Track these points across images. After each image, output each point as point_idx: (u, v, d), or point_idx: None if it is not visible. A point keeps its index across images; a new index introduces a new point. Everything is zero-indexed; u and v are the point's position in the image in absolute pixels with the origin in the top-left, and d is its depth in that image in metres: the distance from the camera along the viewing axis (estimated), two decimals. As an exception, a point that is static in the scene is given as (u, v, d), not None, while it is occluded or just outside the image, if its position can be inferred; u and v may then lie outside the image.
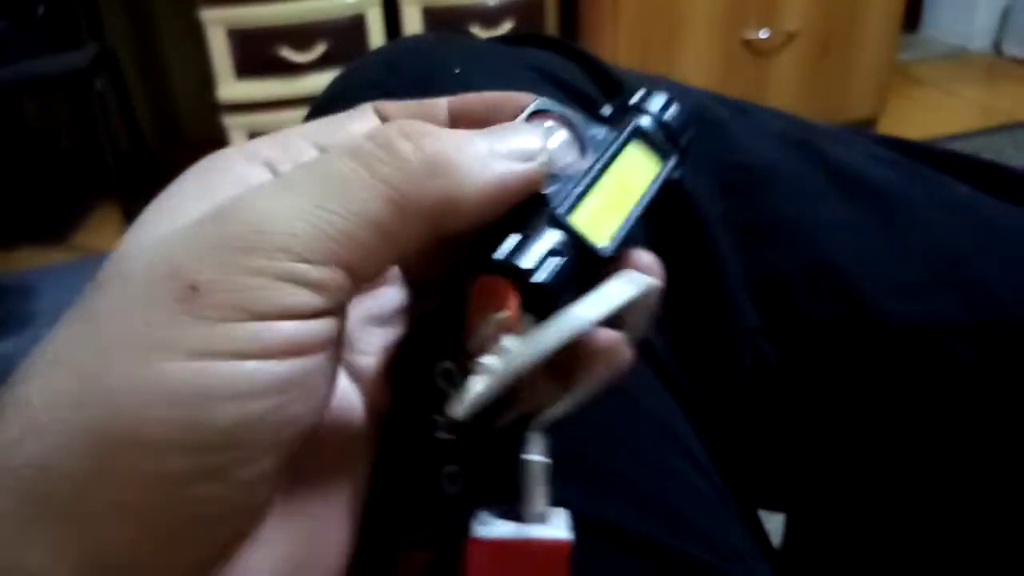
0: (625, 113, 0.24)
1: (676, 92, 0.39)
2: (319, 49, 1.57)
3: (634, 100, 0.25)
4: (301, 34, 1.56)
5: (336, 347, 0.18)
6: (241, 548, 0.18)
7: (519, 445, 0.21)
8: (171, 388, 0.16)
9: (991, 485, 0.37)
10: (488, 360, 0.19)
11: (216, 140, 1.63)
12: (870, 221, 0.37)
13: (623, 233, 0.21)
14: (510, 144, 0.20)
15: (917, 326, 0.35)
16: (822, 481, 0.38)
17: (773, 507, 0.41)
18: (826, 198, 0.37)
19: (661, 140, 0.24)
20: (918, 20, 2.50)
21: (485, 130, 0.20)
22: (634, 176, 0.23)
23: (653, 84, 0.38)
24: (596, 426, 0.28)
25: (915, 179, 0.39)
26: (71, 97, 1.85)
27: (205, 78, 1.64)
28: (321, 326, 0.17)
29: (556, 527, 0.21)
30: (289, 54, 1.57)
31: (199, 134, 2.02)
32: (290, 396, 0.17)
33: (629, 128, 0.23)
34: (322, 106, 0.35)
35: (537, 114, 0.22)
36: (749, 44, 1.78)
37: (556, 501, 0.26)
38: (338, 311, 0.18)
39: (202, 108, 1.84)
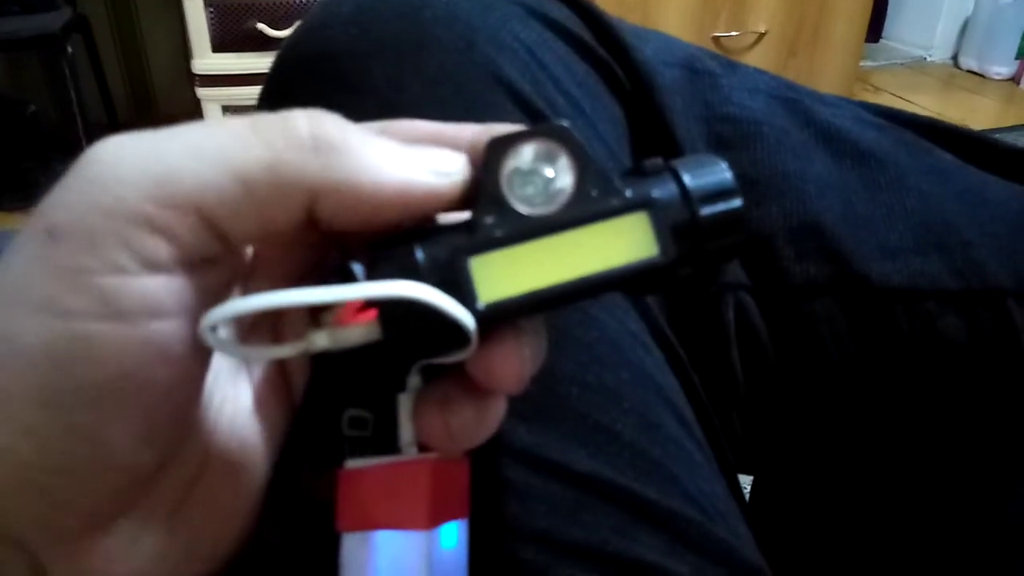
0: (664, 171, 0.20)
1: (667, 44, 0.39)
2: (296, 25, 1.56)
3: (679, 161, 0.20)
4: (278, 9, 1.54)
5: (198, 310, 0.18)
6: (123, 521, 0.18)
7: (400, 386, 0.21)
8: (25, 346, 0.16)
9: (968, 450, 0.38)
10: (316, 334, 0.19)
11: (190, 114, 1.60)
12: (857, 181, 0.37)
13: (515, 305, 0.18)
14: (428, 155, 0.19)
15: (902, 289, 0.35)
16: (797, 443, 0.38)
17: (744, 468, 0.41)
18: (813, 156, 0.37)
19: (681, 226, 0.19)
20: (880, 30, 2.55)
21: (415, 145, 0.20)
22: (600, 250, 0.19)
23: (643, 36, 0.38)
24: (581, 375, 0.28)
25: (902, 144, 0.39)
26: (42, 61, 1.80)
27: (181, 49, 1.60)
28: (176, 284, 0.17)
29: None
30: (266, 29, 1.54)
31: (173, 106, 1.97)
32: (144, 360, 0.17)
33: (636, 196, 0.19)
34: (279, 83, 0.32)
35: (542, 134, 0.19)
36: (718, 42, 1.81)
37: (534, 450, 0.26)
38: (197, 266, 0.18)
39: (177, 80, 1.80)
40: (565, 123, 0.19)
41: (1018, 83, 2.25)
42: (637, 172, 0.20)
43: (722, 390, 0.35)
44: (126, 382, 0.16)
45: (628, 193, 0.19)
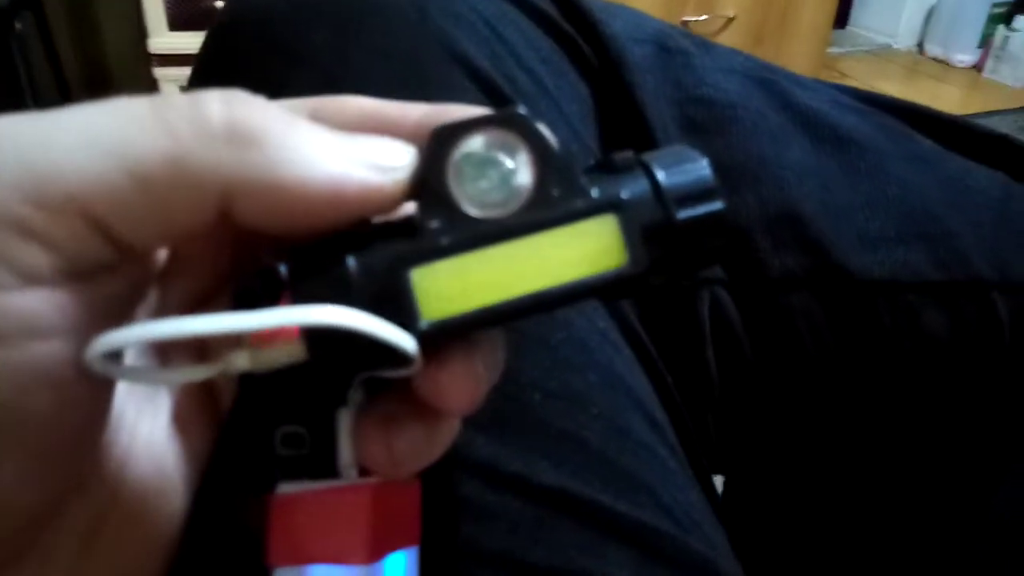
0: (636, 167, 0.18)
1: (636, 20, 0.37)
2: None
3: (652, 156, 0.18)
4: (233, -14, 1.50)
5: (90, 326, 0.15)
6: (21, 564, 0.16)
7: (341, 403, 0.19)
8: None
9: (950, 445, 0.36)
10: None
11: (146, 94, 1.54)
12: (836, 168, 0.35)
13: (463, 322, 0.16)
14: (367, 146, 0.16)
15: (883, 281, 0.34)
16: (774, 442, 0.37)
17: (716, 468, 0.39)
18: (791, 141, 0.35)
19: (655, 231, 0.17)
20: (847, 17, 2.57)
21: (352, 134, 0.17)
22: (563, 260, 0.16)
23: (611, 10, 0.36)
24: (544, 380, 0.26)
25: (881, 129, 0.37)
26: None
27: (138, 28, 1.55)
28: (60, 298, 0.14)
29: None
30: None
31: (128, 86, 1.90)
32: (24, 387, 0.14)
33: (603, 197, 0.17)
34: (214, 62, 0.30)
35: (495, 123, 0.17)
36: (686, 26, 1.80)
37: (492, 463, 0.24)
38: (88, 275, 0.15)
39: (134, 60, 1.74)
40: (522, 109, 0.17)
41: (981, 70, 2.27)
42: (605, 167, 0.18)
43: (696, 389, 0.33)
44: (3, 413, 0.14)
45: (594, 193, 0.17)
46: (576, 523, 0.24)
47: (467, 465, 0.24)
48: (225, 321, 0.15)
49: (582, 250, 0.17)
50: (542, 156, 0.17)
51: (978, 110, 2.03)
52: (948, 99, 2.11)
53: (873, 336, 0.34)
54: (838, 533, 0.39)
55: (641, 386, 0.29)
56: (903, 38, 2.46)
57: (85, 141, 0.14)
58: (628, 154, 0.18)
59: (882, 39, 2.49)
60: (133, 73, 1.84)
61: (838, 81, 2.26)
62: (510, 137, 0.17)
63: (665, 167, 0.17)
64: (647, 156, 0.18)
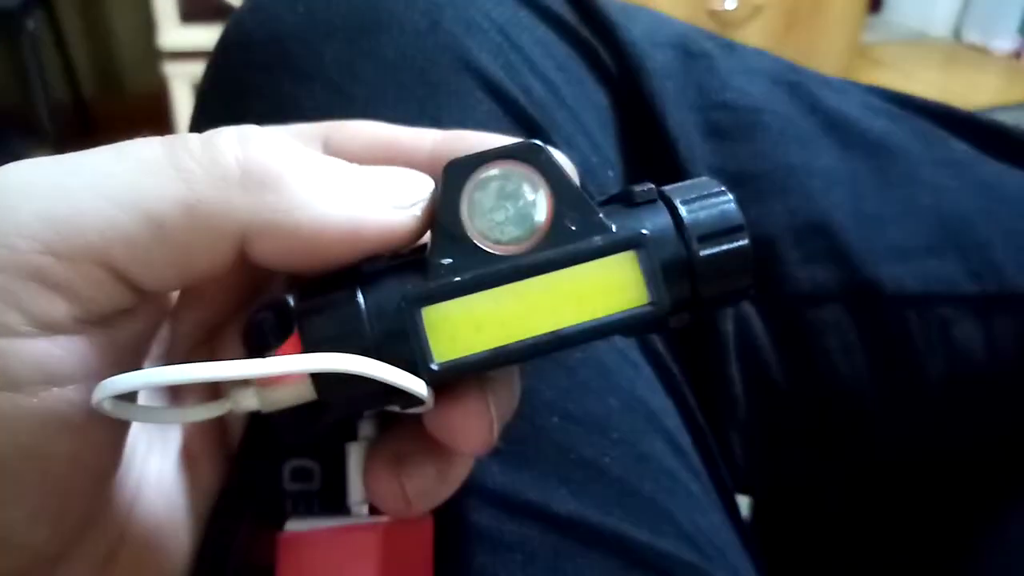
0: (656, 201, 0.17)
1: (657, 22, 0.35)
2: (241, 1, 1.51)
3: (674, 189, 0.17)
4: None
5: (107, 368, 0.15)
6: None
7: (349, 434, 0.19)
8: None
9: (983, 463, 0.35)
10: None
11: (158, 92, 1.55)
12: (867, 175, 0.34)
13: (477, 363, 0.16)
14: (385, 182, 0.16)
15: (915, 293, 0.32)
16: (801, 463, 0.36)
17: (742, 489, 0.38)
18: (819, 147, 0.34)
19: (677, 269, 0.16)
20: (880, 3, 2.51)
21: (368, 167, 0.17)
22: (581, 299, 0.16)
23: (631, 13, 0.35)
24: (563, 403, 0.25)
25: (913, 133, 0.36)
26: (1, 38, 1.76)
27: (148, 23, 1.55)
28: (78, 345, 0.15)
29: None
30: (235, 0, 1.49)
31: (140, 84, 1.92)
32: (41, 433, 0.14)
33: (622, 233, 0.16)
34: (218, 80, 0.29)
35: (510, 155, 0.16)
36: (715, 15, 1.77)
37: (508, 490, 0.23)
38: (105, 321, 0.15)
39: (144, 56, 1.75)
40: (538, 142, 0.16)
41: (1021, 58, 2.21)
42: (623, 200, 0.17)
43: (719, 408, 0.32)
44: (20, 459, 0.14)
45: (613, 228, 0.16)
46: (596, 554, 0.23)
47: (482, 492, 0.23)
48: (232, 368, 0.15)
49: (600, 289, 0.16)
50: (559, 189, 0.16)
51: (1019, 99, 1.97)
52: (986, 88, 2.06)
53: (905, 351, 0.33)
54: (864, 553, 0.38)
55: (663, 408, 0.28)
56: (939, 24, 2.40)
57: (101, 189, 0.14)
58: (648, 186, 0.17)
59: (917, 25, 2.43)
60: (144, 70, 1.85)
61: (871, 68, 2.21)
62: (526, 170, 0.16)
63: (688, 201, 0.17)
64: (669, 189, 0.17)
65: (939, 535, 0.37)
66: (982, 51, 2.29)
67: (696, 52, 0.34)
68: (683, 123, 0.32)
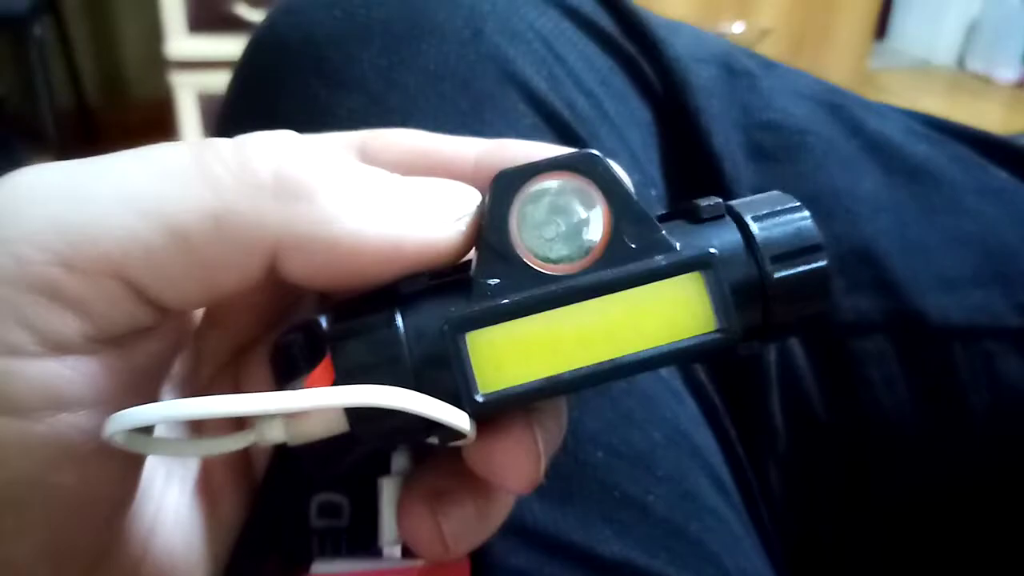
0: (724, 216, 0.16)
1: (698, 38, 0.35)
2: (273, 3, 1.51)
3: (744, 203, 0.16)
4: (260, -11, 1.49)
5: (122, 394, 0.14)
6: None
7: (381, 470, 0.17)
8: None
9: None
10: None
11: (164, 100, 1.54)
12: (910, 201, 0.33)
13: (524, 394, 0.14)
14: (427, 196, 0.15)
15: (960, 326, 0.31)
16: (842, 501, 0.34)
17: (779, 526, 0.36)
18: (863, 171, 0.33)
19: (748, 293, 0.15)
20: (884, 30, 2.52)
21: (410, 178, 0.15)
22: (641, 325, 0.14)
23: (673, 28, 0.34)
24: (607, 437, 0.23)
25: (954, 159, 0.35)
26: (8, 44, 1.74)
27: (155, 31, 1.55)
28: (90, 367, 0.13)
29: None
30: (244, 11, 1.48)
31: (146, 92, 1.91)
32: (48, 462, 0.13)
33: (687, 252, 0.15)
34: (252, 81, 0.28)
35: (565, 166, 0.15)
36: (723, 37, 1.78)
37: (551, 530, 0.22)
38: (121, 341, 0.14)
39: (151, 64, 1.74)
40: (595, 152, 0.15)
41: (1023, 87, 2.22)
42: (687, 216, 0.16)
43: (758, 441, 0.31)
44: (25, 490, 0.13)
45: (678, 246, 0.15)
46: None
47: (522, 532, 0.21)
48: (259, 402, 0.13)
49: (663, 314, 0.15)
50: (617, 204, 0.15)
51: (1022, 129, 1.98)
52: (990, 117, 2.06)
53: (949, 384, 0.31)
54: None
55: (706, 443, 0.26)
56: (943, 53, 2.41)
57: (120, 196, 0.13)
58: (715, 201, 0.16)
59: (920, 53, 2.45)
60: (150, 78, 1.85)
61: (877, 95, 2.22)
62: (582, 182, 0.15)
63: (759, 217, 0.15)
64: (737, 204, 0.16)
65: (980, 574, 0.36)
66: (985, 80, 2.30)
67: (739, 70, 0.33)
68: (728, 142, 0.31)
